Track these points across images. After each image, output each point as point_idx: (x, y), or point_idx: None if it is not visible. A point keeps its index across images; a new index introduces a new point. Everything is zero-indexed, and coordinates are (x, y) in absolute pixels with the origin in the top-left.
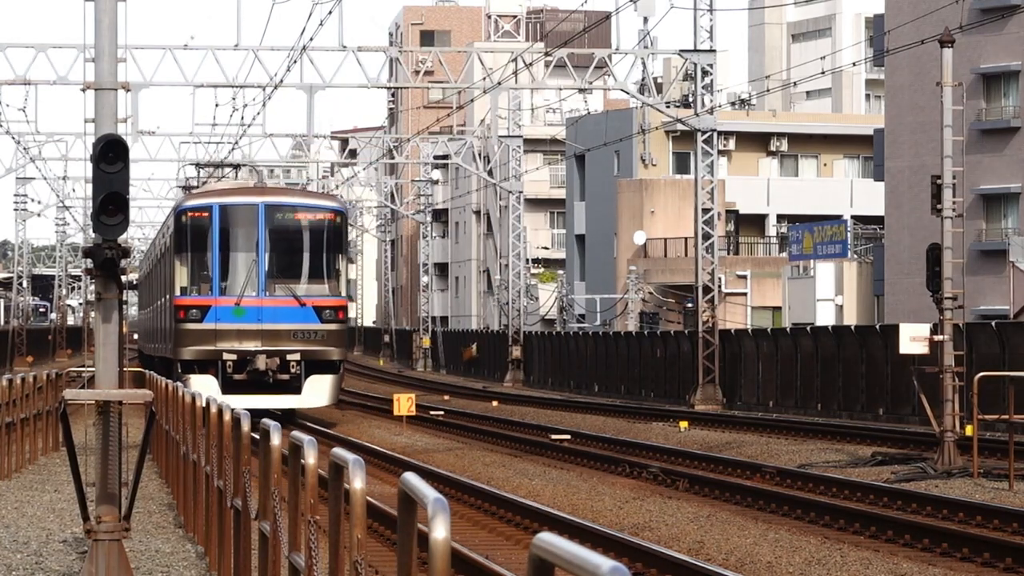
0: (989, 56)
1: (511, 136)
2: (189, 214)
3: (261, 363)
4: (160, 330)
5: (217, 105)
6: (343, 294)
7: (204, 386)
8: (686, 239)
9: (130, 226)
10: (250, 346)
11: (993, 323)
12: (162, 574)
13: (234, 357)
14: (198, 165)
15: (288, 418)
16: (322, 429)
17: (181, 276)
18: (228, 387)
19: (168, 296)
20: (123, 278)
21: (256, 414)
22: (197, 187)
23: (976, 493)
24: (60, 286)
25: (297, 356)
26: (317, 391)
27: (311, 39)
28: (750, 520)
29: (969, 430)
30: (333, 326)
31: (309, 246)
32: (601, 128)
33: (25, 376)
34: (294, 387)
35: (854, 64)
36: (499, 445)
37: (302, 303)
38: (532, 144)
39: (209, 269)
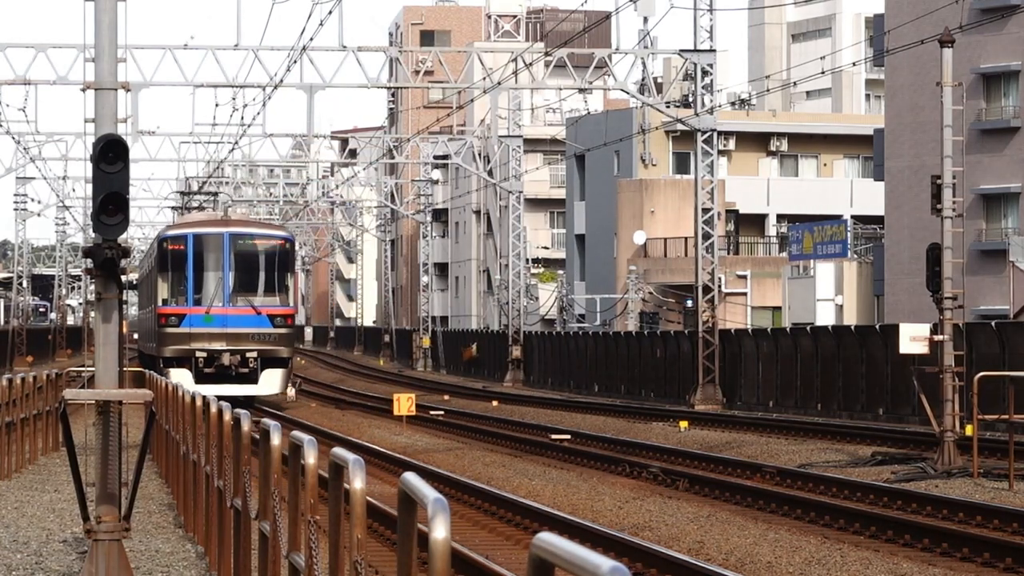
0: (989, 56)
1: (511, 136)
2: (169, 242)
3: (226, 359)
4: (149, 332)
5: (217, 105)
6: (291, 304)
7: (181, 378)
8: (686, 239)
9: (130, 226)
10: (217, 346)
11: (993, 323)
12: (162, 574)
13: (204, 354)
14: (183, 194)
15: (248, 404)
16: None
17: (163, 290)
18: (200, 378)
19: (153, 306)
20: (123, 278)
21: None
22: (185, 207)
23: (976, 493)
24: (60, 286)
25: (254, 354)
26: (270, 382)
27: (311, 39)
28: (750, 520)
29: (969, 430)
30: (283, 330)
31: (264, 267)
32: (601, 128)
33: (25, 376)
34: (252, 378)
35: (854, 64)
36: (499, 445)
37: (258, 312)
38: (532, 144)
39: (185, 285)
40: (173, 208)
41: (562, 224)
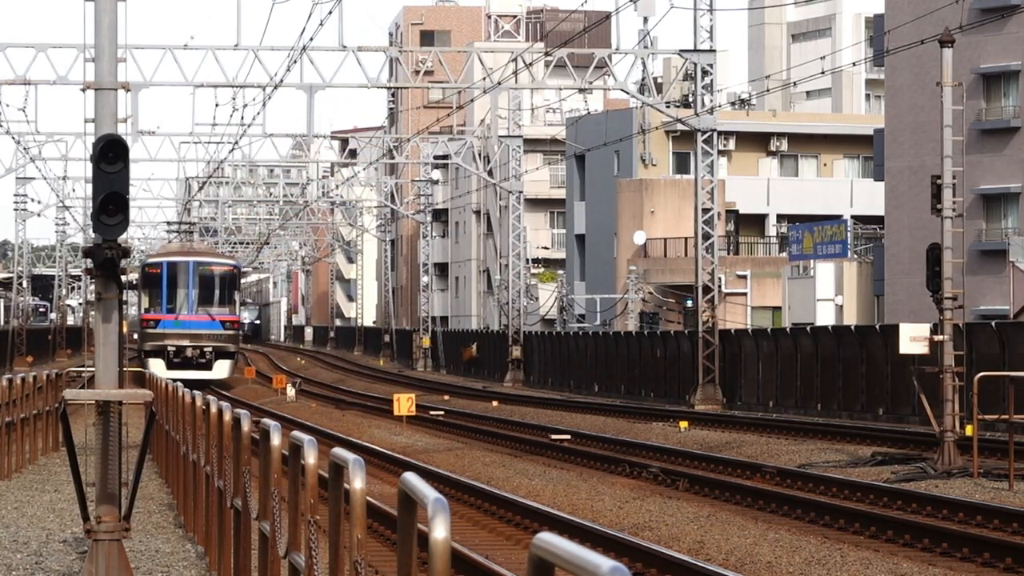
0: (989, 56)
1: (511, 136)
2: (149, 267)
3: (189, 352)
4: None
5: (217, 105)
6: (237, 313)
7: (157, 365)
8: (686, 239)
9: (130, 226)
10: (183, 343)
11: (993, 323)
12: (162, 574)
13: (174, 348)
14: (169, 224)
15: (205, 386)
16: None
17: (145, 302)
18: (170, 366)
19: (139, 313)
20: (123, 278)
21: (187, 383)
22: (176, 231)
23: (976, 493)
24: (60, 286)
25: (210, 348)
26: (220, 369)
27: (311, 39)
28: (750, 520)
29: (969, 430)
30: (230, 332)
31: (217, 286)
32: (601, 128)
33: (25, 376)
34: (208, 366)
35: (854, 64)
36: (499, 445)
37: (212, 318)
38: (532, 144)
39: (160, 298)
40: (168, 231)
41: (562, 224)
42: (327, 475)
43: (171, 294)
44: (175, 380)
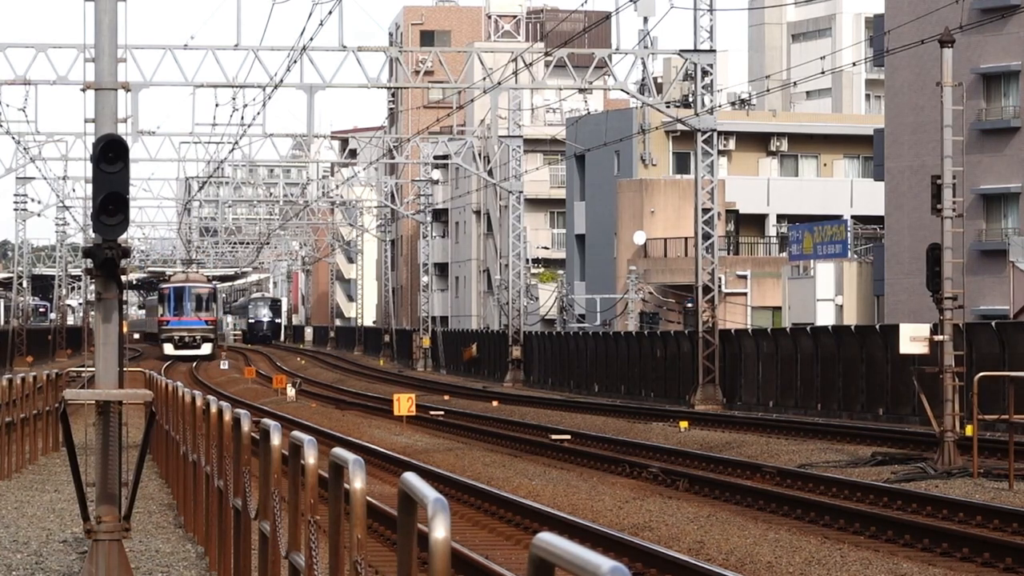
0: (989, 56)
1: (511, 136)
2: (163, 289)
3: (187, 339)
4: (154, 326)
5: (217, 105)
6: (216, 316)
7: (169, 348)
8: (686, 239)
9: (130, 226)
10: (183, 333)
11: (993, 323)
12: (162, 574)
13: (178, 337)
14: (183, 260)
15: (197, 359)
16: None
17: (161, 310)
18: (176, 347)
19: (157, 316)
20: (123, 278)
21: (186, 358)
22: (187, 261)
23: (976, 493)
24: (60, 286)
25: (199, 336)
26: (206, 348)
27: (311, 39)
28: (750, 520)
29: (969, 430)
30: (211, 327)
31: (205, 299)
32: (601, 128)
33: (25, 376)
34: (198, 347)
35: (854, 64)
36: (499, 445)
37: (200, 319)
38: (532, 144)
39: (169, 307)
40: (183, 261)
41: (562, 224)
42: (327, 475)
43: (176, 305)
44: (181, 355)
